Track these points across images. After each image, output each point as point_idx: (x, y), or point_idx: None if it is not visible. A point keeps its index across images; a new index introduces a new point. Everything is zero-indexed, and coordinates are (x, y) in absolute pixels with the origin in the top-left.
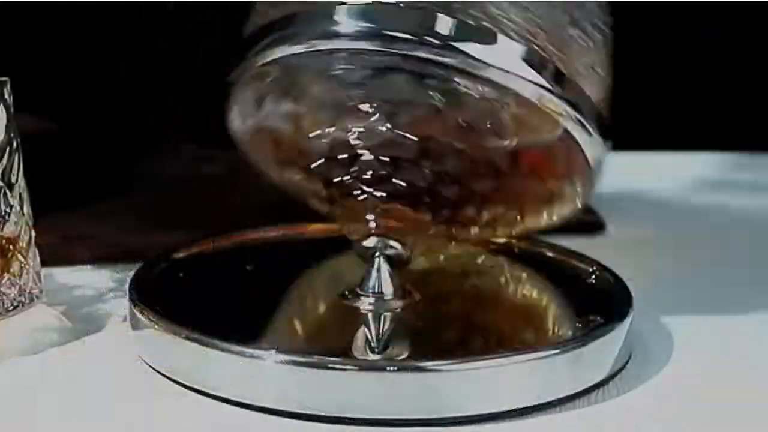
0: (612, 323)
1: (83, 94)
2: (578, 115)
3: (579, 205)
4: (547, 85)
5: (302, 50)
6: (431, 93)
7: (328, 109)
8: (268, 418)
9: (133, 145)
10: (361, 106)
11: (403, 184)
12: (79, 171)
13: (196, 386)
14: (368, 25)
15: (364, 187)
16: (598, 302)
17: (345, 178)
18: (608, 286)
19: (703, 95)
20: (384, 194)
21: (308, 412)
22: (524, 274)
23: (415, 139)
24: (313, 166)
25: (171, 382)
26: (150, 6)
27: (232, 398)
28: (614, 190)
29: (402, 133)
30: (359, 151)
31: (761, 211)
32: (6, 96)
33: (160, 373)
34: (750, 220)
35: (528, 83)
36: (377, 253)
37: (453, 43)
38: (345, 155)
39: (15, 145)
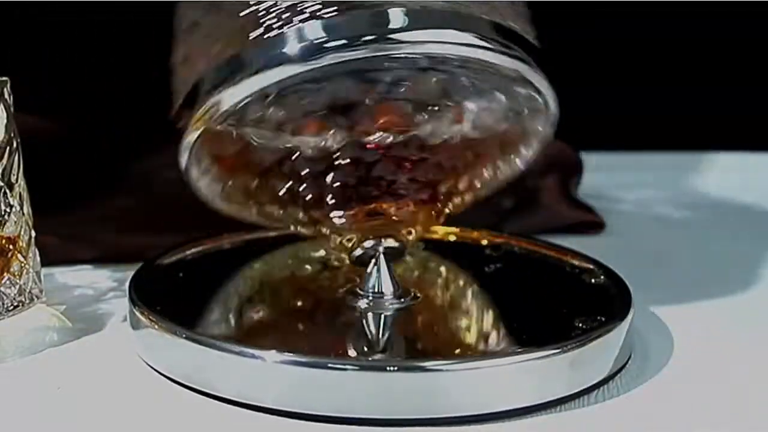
0: (612, 323)
1: (83, 94)
2: (528, 66)
3: (542, 141)
4: (489, 45)
5: (256, 88)
6: (374, 86)
7: (282, 133)
8: (267, 417)
9: (132, 145)
10: (312, 120)
11: (377, 181)
12: (79, 171)
13: (195, 386)
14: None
15: (341, 198)
16: (598, 302)
17: (318, 192)
18: (608, 286)
19: (703, 95)
20: (361, 199)
21: (308, 411)
22: (524, 274)
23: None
24: (281, 193)
25: (171, 382)
26: (150, 6)
27: (231, 398)
28: (614, 190)
29: (360, 140)
30: (323, 165)
31: (761, 211)
32: (6, 96)
33: (160, 373)
34: (750, 219)
35: (475, 48)
36: (375, 254)
37: (390, 36)
38: (308, 170)
39: (15, 145)
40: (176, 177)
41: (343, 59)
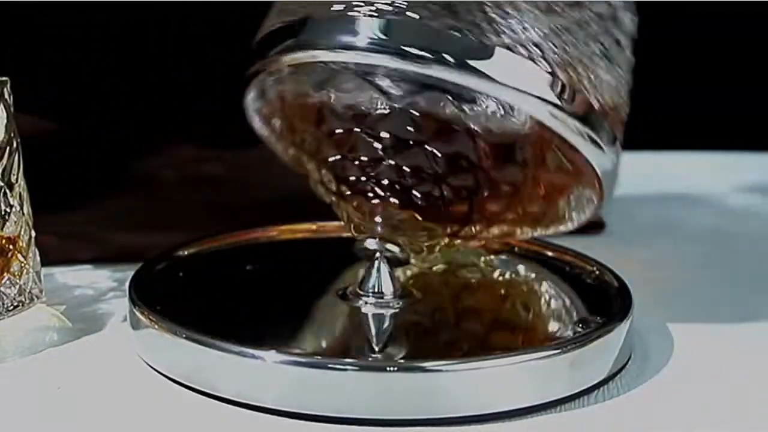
0: (612, 323)
1: (83, 94)
2: (590, 133)
3: (584, 220)
4: (557, 102)
5: (324, 59)
6: (463, 108)
7: (359, 111)
8: (267, 417)
9: (132, 145)
10: (394, 115)
11: (419, 195)
12: (79, 171)
13: (195, 386)
14: (387, 38)
15: (379, 192)
16: (598, 302)
17: (361, 178)
18: (608, 286)
19: (703, 95)
20: (397, 201)
21: (308, 411)
22: (524, 274)
23: (440, 154)
24: (330, 159)
25: (171, 382)
26: (150, 6)
27: (231, 398)
28: (614, 190)
29: (430, 149)
30: (381, 157)
31: (761, 211)
32: (6, 96)
33: (160, 373)
34: (750, 219)
35: (539, 101)
36: (377, 254)
37: (467, 62)
38: (366, 158)
39: (15, 144)
40: (176, 177)
41: (441, 77)
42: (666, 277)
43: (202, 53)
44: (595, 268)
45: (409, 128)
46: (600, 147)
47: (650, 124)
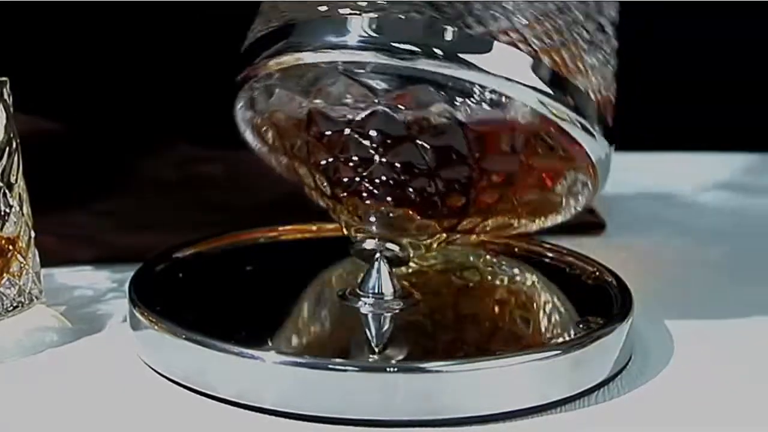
0: (612, 323)
1: (83, 94)
2: (580, 118)
3: (581, 208)
4: (547, 89)
5: (311, 60)
6: (452, 101)
7: (346, 111)
8: (267, 418)
9: (133, 145)
10: (382, 112)
11: (413, 191)
12: (79, 171)
13: (195, 386)
14: (374, 35)
15: (373, 191)
16: (598, 302)
17: (355, 179)
18: (608, 286)
19: (703, 95)
20: (392, 199)
21: (308, 412)
22: (524, 275)
23: (430, 147)
24: (322, 163)
25: (171, 383)
26: (149, 6)
27: (231, 399)
28: (614, 190)
29: (420, 143)
30: (373, 155)
31: (762, 211)
32: (6, 96)
33: (159, 373)
34: (750, 219)
35: (528, 89)
36: (376, 255)
37: (456, 54)
38: (358, 158)
39: (15, 145)
40: (176, 177)
41: (427, 68)
42: (666, 278)
43: (201, 53)
44: (595, 269)
45: (397, 124)
46: (590, 132)
47: (651, 125)
